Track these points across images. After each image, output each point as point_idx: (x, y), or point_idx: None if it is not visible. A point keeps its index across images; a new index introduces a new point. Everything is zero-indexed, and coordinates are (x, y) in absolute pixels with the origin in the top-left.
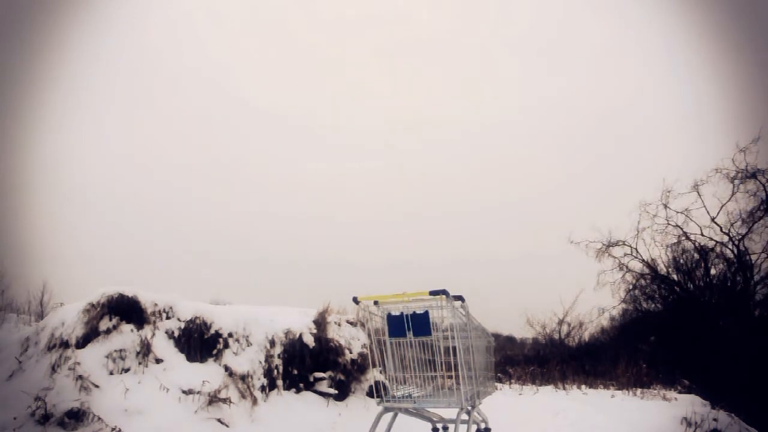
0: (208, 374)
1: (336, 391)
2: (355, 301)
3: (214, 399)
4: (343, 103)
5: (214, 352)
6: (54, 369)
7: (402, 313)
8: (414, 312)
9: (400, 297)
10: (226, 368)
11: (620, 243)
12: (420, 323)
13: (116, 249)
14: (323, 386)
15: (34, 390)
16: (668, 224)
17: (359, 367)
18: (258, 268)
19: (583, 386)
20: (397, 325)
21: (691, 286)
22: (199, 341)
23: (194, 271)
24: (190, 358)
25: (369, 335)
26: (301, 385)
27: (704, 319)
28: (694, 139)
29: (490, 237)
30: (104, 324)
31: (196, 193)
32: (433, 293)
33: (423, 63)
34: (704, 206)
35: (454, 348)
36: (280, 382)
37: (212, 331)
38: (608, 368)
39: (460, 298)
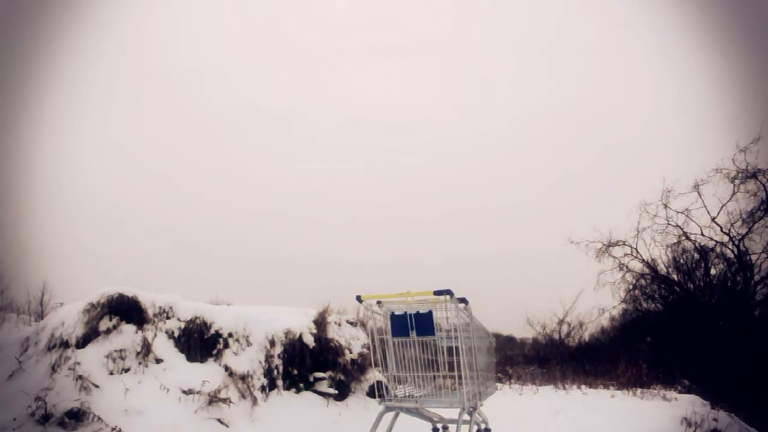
0: (208, 374)
1: (336, 391)
2: (359, 299)
3: (214, 399)
4: (345, 102)
5: (214, 352)
6: (54, 369)
7: (405, 312)
8: (417, 311)
9: (403, 296)
10: (226, 368)
11: (620, 243)
12: (423, 323)
13: (116, 249)
14: (323, 386)
15: (34, 390)
16: (668, 224)
17: (359, 367)
18: (258, 268)
19: (583, 386)
20: (400, 324)
21: (691, 286)
22: (199, 341)
23: (194, 271)
24: (190, 358)
25: (371, 334)
26: (301, 385)
27: (704, 319)
28: (694, 140)
29: (490, 237)
30: (104, 324)
31: (196, 193)
32: (438, 293)
33: (422, 63)
34: (704, 206)
35: (456, 348)
36: (280, 382)
37: (212, 331)
38: (608, 368)
39: (463, 300)
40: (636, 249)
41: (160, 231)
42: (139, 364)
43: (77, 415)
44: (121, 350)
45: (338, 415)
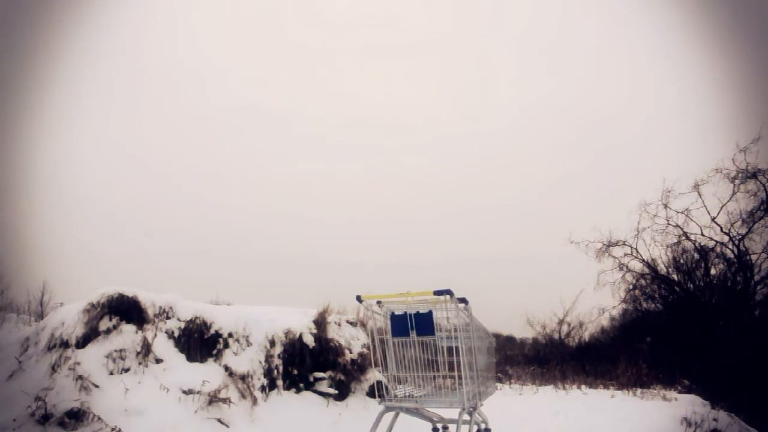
0: (208, 374)
1: (336, 391)
2: (359, 299)
3: (214, 399)
4: (345, 102)
5: (214, 352)
6: (54, 369)
7: (405, 312)
8: (417, 311)
9: (403, 296)
10: (226, 368)
11: (620, 243)
12: (423, 323)
13: (116, 249)
14: (323, 386)
15: (34, 390)
16: (668, 224)
17: (359, 367)
18: (258, 268)
19: (583, 386)
20: (400, 324)
21: (691, 286)
22: (199, 341)
23: (194, 271)
24: (190, 358)
25: (371, 334)
26: (301, 385)
27: (704, 319)
28: (694, 139)
29: (490, 237)
30: (104, 324)
31: (196, 193)
32: (438, 293)
33: (422, 63)
34: (704, 206)
35: (456, 348)
36: (280, 382)
37: (212, 331)
38: (608, 368)
39: (464, 300)
40: (636, 249)
41: (160, 231)
42: (139, 364)
43: (77, 415)
44: (121, 350)
45: (338, 415)
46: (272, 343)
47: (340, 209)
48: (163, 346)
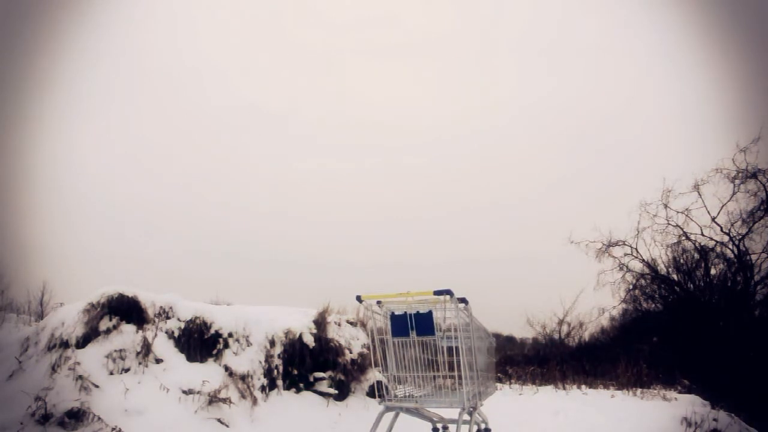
0: (208, 374)
1: (336, 391)
2: (359, 299)
3: (214, 399)
4: (344, 102)
5: (214, 352)
6: (54, 369)
7: (405, 312)
8: (417, 311)
9: (403, 296)
10: (226, 368)
11: (620, 243)
12: (423, 323)
13: (116, 249)
14: (323, 386)
15: (34, 390)
16: (668, 224)
17: (359, 367)
18: (258, 268)
19: (583, 386)
20: (400, 324)
21: (691, 286)
22: (199, 341)
23: (194, 271)
24: (190, 358)
25: (371, 334)
26: (301, 385)
27: (704, 319)
28: (694, 139)
29: (490, 237)
30: (104, 324)
31: (196, 193)
32: (438, 293)
33: (423, 63)
34: (705, 206)
35: (456, 348)
36: (280, 382)
37: (212, 331)
38: (608, 368)
39: (464, 300)
40: (636, 249)
41: (160, 231)
42: (139, 364)
43: (77, 415)
44: (121, 350)
45: (338, 415)
46: (272, 343)
47: (341, 209)
48: (163, 346)
